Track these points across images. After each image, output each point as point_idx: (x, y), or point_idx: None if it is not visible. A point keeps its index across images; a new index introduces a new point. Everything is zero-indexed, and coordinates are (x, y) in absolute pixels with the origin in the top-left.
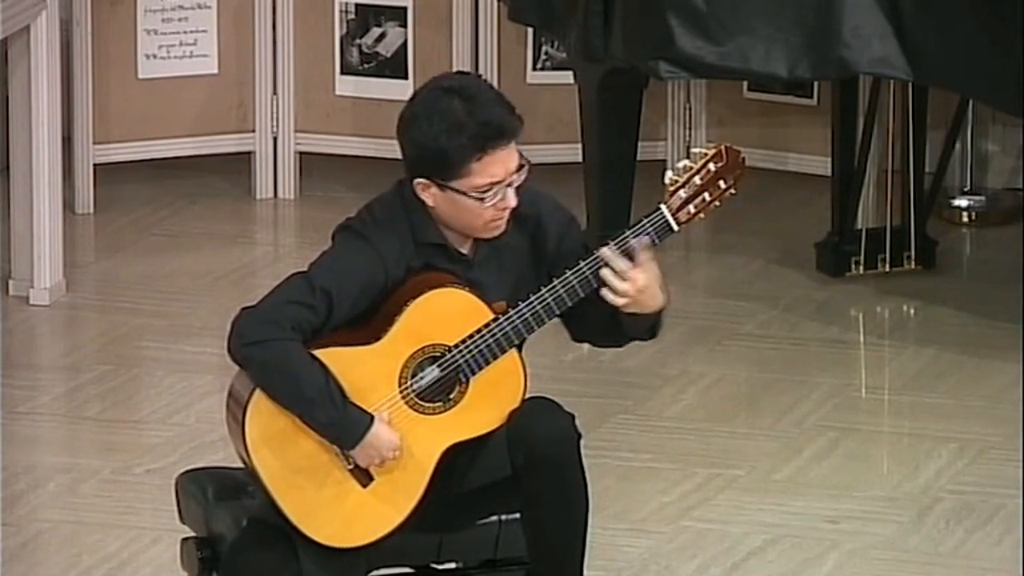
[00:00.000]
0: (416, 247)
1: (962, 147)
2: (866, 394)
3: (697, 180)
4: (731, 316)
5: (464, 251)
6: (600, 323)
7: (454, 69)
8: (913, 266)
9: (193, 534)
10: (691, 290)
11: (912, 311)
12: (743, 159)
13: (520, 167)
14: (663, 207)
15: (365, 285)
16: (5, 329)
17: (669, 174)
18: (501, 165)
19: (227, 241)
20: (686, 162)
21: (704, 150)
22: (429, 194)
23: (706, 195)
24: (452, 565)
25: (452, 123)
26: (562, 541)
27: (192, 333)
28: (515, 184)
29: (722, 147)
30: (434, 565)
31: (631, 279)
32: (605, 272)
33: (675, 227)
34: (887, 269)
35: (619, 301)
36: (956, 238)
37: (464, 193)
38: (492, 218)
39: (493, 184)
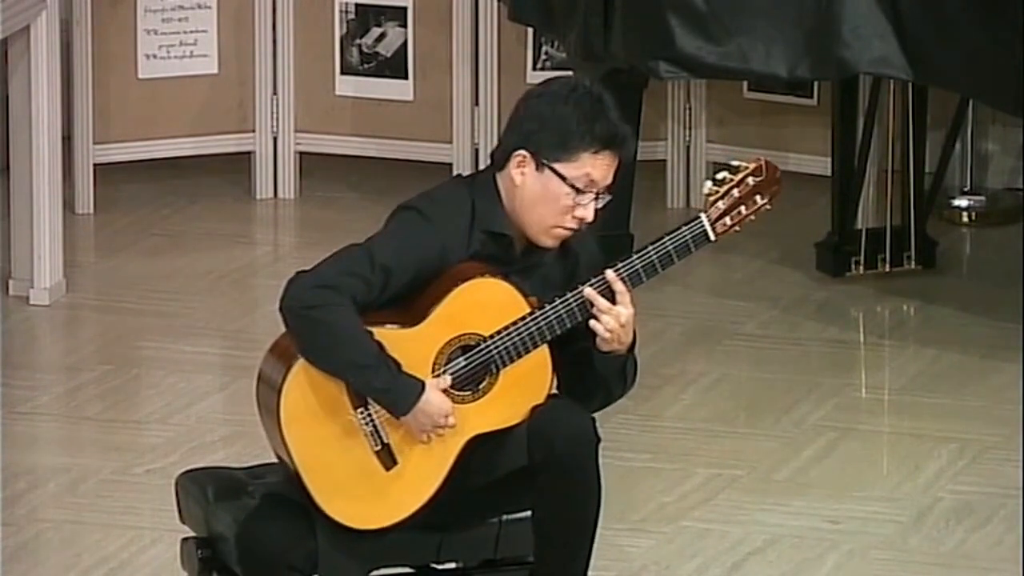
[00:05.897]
0: (477, 234)
1: (962, 147)
2: (866, 394)
3: (735, 192)
4: (731, 316)
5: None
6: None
7: (454, 69)
8: (913, 266)
9: (193, 534)
10: (691, 290)
11: (912, 311)
12: (780, 175)
13: (609, 189)
14: (703, 216)
15: (421, 267)
16: (5, 329)
17: (708, 184)
18: (605, 170)
19: (227, 241)
20: (725, 174)
21: (744, 163)
22: (521, 170)
23: (743, 208)
24: (452, 565)
25: (585, 112)
26: (570, 541)
27: (192, 333)
28: (599, 204)
29: (762, 161)
30: (434, 565)
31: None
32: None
33: (712, 237)
34: (887, 269)
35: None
36: (956, 238)
37: (562, 177)
38: (562, 223)
39: (589, 184)
